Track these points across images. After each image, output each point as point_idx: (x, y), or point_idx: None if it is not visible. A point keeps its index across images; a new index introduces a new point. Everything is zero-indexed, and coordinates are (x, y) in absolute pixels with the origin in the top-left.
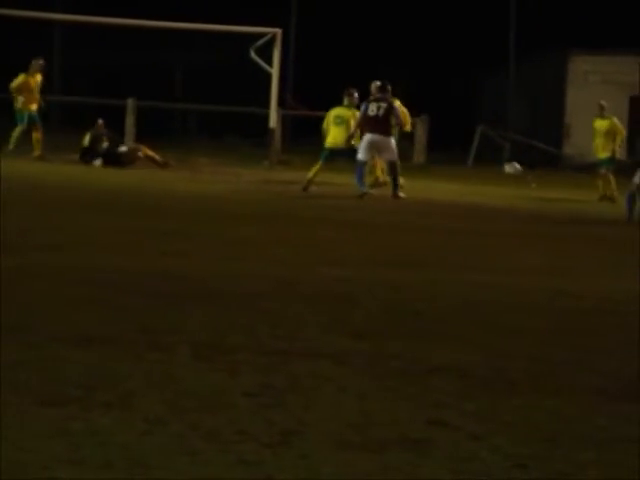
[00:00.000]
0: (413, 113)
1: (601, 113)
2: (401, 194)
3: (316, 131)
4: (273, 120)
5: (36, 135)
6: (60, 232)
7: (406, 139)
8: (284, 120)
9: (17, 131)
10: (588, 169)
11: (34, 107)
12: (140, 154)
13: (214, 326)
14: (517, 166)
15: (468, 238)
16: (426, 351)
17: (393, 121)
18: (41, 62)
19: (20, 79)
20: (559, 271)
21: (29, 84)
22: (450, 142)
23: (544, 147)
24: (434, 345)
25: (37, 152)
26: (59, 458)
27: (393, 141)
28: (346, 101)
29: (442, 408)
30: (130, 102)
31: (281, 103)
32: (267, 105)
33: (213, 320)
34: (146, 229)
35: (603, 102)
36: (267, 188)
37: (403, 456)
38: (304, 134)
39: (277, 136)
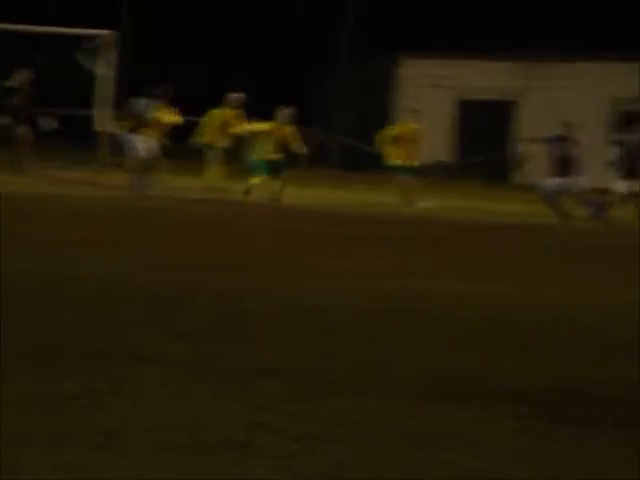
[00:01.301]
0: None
1: (415, 118)
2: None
3: None
4: (103, 123)
5: None
6: None
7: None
8: None
9: None
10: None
11: None
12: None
13: (38, 328)
14: None
15: (307, 240)
16: (250, 353)
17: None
18: None
19: None
20: (400, 273)
21: None
22: None
23: (371, 150)
24: (259, 347)
25: None
26: None
27: (128, 137)
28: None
29: (265, 410)
30: None
31: (117, 106)
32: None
33: (37, 323)
34: None
35: (417, 108)
36: (98, 191)
37: (226, 458)
38: None
39: (106, 139)
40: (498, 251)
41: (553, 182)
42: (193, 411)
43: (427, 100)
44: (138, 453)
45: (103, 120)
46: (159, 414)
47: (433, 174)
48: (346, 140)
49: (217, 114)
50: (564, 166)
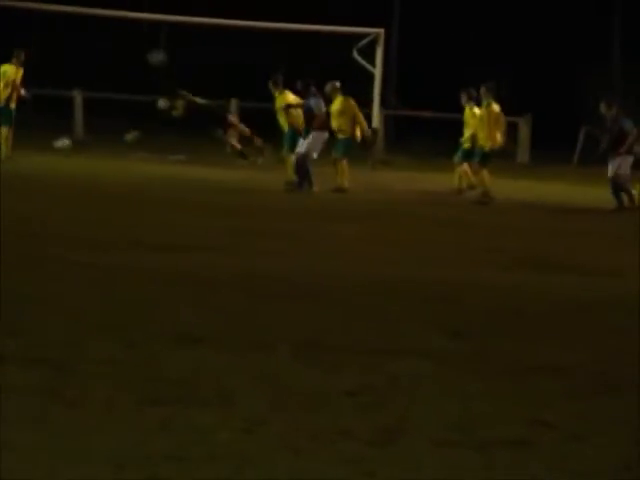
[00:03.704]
0: (517, 112)
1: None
2: None
3: (419, 131)
4: (376, 120)
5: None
6: (151, 230)
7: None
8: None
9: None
10: None
11: None
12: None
13: (304, 326)
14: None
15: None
16: (527, 351)
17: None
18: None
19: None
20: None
21: None
22: (555, 141)
23: None
24: (535, 345)
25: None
26: (163, 454)
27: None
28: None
29: (543, 408)
30: (233, 102)
31: (383, 103)
32: (369, 105)
33: (305, 320)
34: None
35: None
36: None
37: (504, 455)
38: (407, 134)
39: (380, 136)
40: None
41: None
42: (470, 408)
43: None
44: (417, 450)
45: (375, 117)
46: (436, 411)
47: None
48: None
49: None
50: None
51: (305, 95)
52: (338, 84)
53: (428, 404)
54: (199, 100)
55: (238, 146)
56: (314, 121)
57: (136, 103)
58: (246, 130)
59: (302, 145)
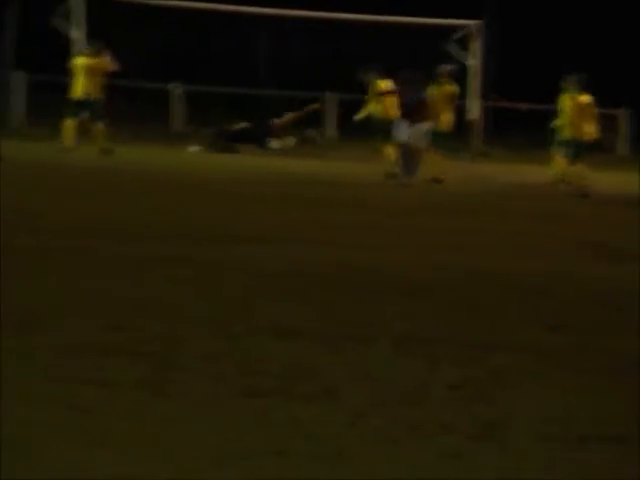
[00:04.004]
0: (613, 104)
1: None
2: None
3: (519, 123)
4: (474, 112)
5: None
6: (247, 224)
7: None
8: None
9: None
10: None
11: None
12: None
13: (404, 319)
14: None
15: None
16: (630, 346)
17: None
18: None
19: None
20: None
21: None
22: None
23: None
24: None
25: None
26: (262, 448)
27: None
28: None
29: None
30: (328, 95)
31: (482, 95)
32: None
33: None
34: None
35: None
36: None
37: (605, 452)
38: (505, 126)
39: (479, 128)
40: None
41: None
42: (570, 403)
43: None
44: (516, 444)
45: (474, 109)
46: (536, 404)
47: None
48: None
49: None
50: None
51: (402, 83)
52: (449, 68)
53: (529, 398)
54: (237, 126)
55: (292, 142)
56: (421, 113)
57: (237, 96)
58: (290, 117)
59: (404, 133)
